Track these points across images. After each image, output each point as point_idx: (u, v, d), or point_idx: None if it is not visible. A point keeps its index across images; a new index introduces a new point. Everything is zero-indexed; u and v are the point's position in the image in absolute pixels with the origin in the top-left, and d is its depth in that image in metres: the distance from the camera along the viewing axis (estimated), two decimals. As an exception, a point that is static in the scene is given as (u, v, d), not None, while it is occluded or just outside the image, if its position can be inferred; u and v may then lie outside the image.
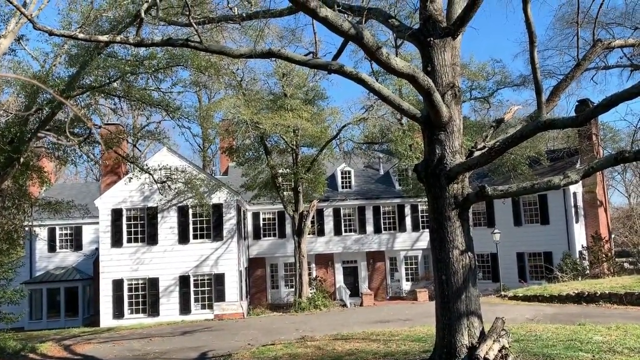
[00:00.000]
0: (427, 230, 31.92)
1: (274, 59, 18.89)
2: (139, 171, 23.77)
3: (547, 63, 31.97)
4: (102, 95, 21.20)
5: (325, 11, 8.24)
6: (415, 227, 37.03)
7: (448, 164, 9.42)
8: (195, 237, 30.15)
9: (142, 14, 10.50)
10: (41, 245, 34.75)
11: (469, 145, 12.60)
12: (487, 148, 9.46)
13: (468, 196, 9.39)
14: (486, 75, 33.70)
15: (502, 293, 26.27)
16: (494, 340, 8.84)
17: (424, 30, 9.86)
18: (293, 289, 33.15)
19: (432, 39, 9.71)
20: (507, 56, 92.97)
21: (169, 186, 25.19)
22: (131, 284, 29.44)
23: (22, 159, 19.07)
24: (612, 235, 37.15)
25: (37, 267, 34.76)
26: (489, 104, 35.11)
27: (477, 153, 9.54)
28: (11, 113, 19.99)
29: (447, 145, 9.51)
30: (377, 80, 12.00)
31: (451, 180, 9.38)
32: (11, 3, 13.27)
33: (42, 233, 34.09)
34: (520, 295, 24.18)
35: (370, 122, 31.18)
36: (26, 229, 27.28)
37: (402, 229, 36.97)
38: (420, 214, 37.00)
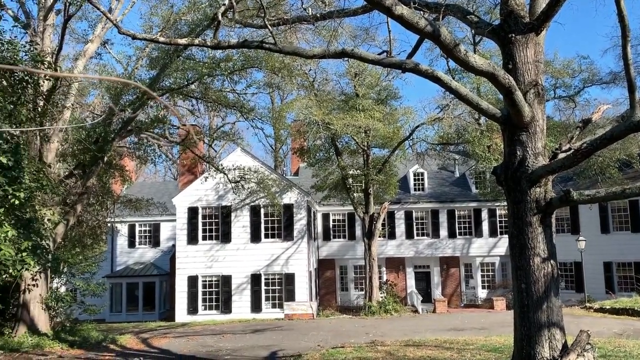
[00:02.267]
0: (506, 236, 30.84)
1: (346, 58, 18.79)
2: (215, 171, 24.39)
3: (641, 59, 30.04)
4: (181, 96, 21.94)
5: (400, 9, 8.04)
6: (493, 233, 35.67)
7: (530, 166, 8.98)
8: (266, 236, 30.56)
9: (219, 17, 10.66)
10: (122, 241, 36.28)
11: (552, 146, 11.93)
12: (572, 150, 8.90)
13: (551, 201, 8.90)
14: (572, 72, 32.08)
15: (587, 304, 24.85)
16: (577, 355, 8.36)
17: (504, 26, 9.44)
18: (363, 292, 32.88)
19: (513, 35, 9.29)
20: (596, 52, 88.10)
21: (242, 186, 25.68)
22: (205, 281, 30.22)
23: (105, 158, 20.02)
24: None
25: (118, 261, 36.31)
26: (575, 103, 33.41)
27: (561, 155, 9.01)
28: (98, 115, 21.01)
29: (528, 147, 9.07)
30: (453, 78, 11.62)
31: (533, 184, 8.94)
32: (98, 9, 13.90)
33: (123, 229, 35.57)
34: (608, 307, 22.76)
35: (445, 122, 30.36)
36: (108, 225, 28.68)
37: (479, 234, 35.75)
38: (498, 219, 35.60)
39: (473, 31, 11.46)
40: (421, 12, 9.82)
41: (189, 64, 19.85)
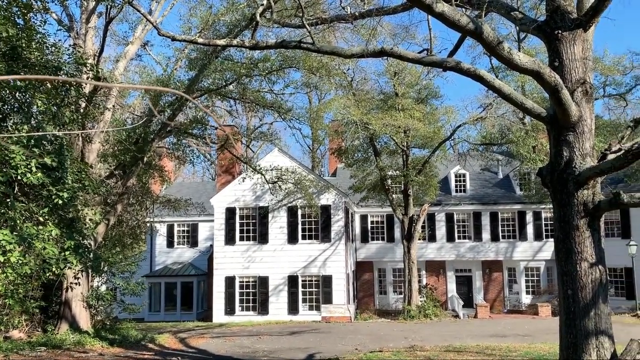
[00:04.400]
0: (552, 239, 29.82)
1: (386, 57, 18.55)
2: (252, 171, 24.45)
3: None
4: (219, 97, 22.08)
5: (441, 6, 7.84)
6: (538, 236, 34.53)
7: (577, 167, 8.61)
8: (303, 237, 30.45)
9: (258, 17, 10.61)
10: (160, 241, 36.61)
11: (601, 147, 11.42)
12: (623, 151, 8.46)
13: (600, 204, 8.50)
14: (623, 69, 30.96)
15: (638, 312, 23.81)
16: (628, 365, 7.93)
17: (550, 22, 9.11)
18: (401, 296, 32.43)
19: (560, 31, 8.95)
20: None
21: (279, 186, 25.67)
22: (242, 282, 30.32)
23: (145, 159, 20.30)
24: None
25: (157, 261, 36.68)
26: (626, 101, 32.25)
27: (611, 156, 8.60)
28: (138, 116, 21.34)
29: (576, 147, 8.69)
30: (497, 76, 11.26)
31: (580, 186, 8.57)
32: (138, 11, 14.04)
33: (162, 229, 35.85)
34: (659, 315, 21.77)
35: (488, 122, 29.64)
36: (148, 224, 29.12)
37: (523, 237, 34.69)
38: (543, 222, 34.45)
39: (517, 28, 11.06)
40: (463, 9, 9.52)
41: (227, 65, 19.97)
